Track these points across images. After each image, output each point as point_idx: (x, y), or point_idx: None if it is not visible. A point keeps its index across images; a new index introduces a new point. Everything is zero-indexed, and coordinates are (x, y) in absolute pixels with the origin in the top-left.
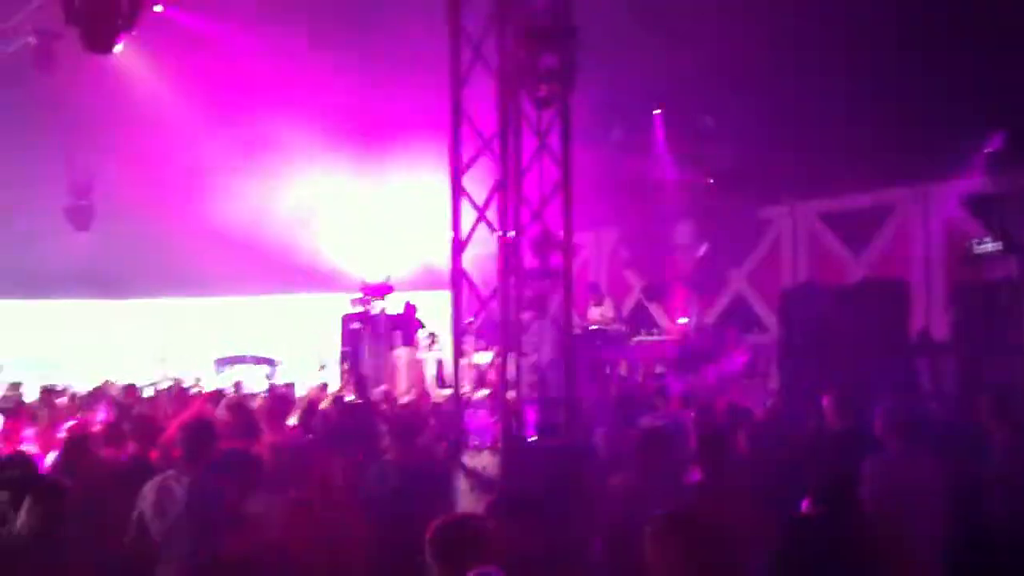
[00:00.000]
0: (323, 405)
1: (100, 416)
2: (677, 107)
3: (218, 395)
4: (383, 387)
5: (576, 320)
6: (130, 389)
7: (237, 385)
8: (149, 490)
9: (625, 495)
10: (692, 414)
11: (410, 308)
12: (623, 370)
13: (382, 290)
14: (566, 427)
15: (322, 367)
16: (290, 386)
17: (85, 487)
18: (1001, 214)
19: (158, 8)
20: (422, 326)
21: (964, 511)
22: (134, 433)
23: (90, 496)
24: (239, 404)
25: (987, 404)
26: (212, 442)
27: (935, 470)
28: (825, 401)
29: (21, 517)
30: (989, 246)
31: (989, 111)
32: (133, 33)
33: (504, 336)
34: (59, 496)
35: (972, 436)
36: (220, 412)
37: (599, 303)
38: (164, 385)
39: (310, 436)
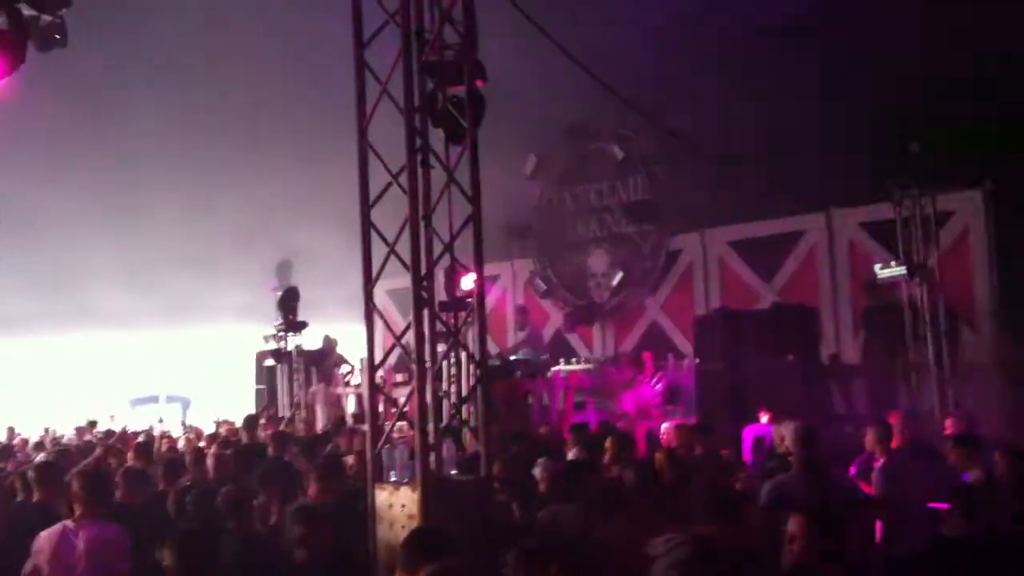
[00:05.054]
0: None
1: None
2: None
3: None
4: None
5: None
6: None
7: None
8: (45, 541)
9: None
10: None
11: (328, 343)
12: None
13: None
14: (486, 461)
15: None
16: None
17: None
18: (904, 238)
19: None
20: (344, 361)
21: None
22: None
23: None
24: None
25: (872, 431)
26: (111, 491)
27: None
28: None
29: None
30: (892, 270)
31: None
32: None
33: (420, 370)
34: None
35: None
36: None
37: (522, 328)
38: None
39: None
